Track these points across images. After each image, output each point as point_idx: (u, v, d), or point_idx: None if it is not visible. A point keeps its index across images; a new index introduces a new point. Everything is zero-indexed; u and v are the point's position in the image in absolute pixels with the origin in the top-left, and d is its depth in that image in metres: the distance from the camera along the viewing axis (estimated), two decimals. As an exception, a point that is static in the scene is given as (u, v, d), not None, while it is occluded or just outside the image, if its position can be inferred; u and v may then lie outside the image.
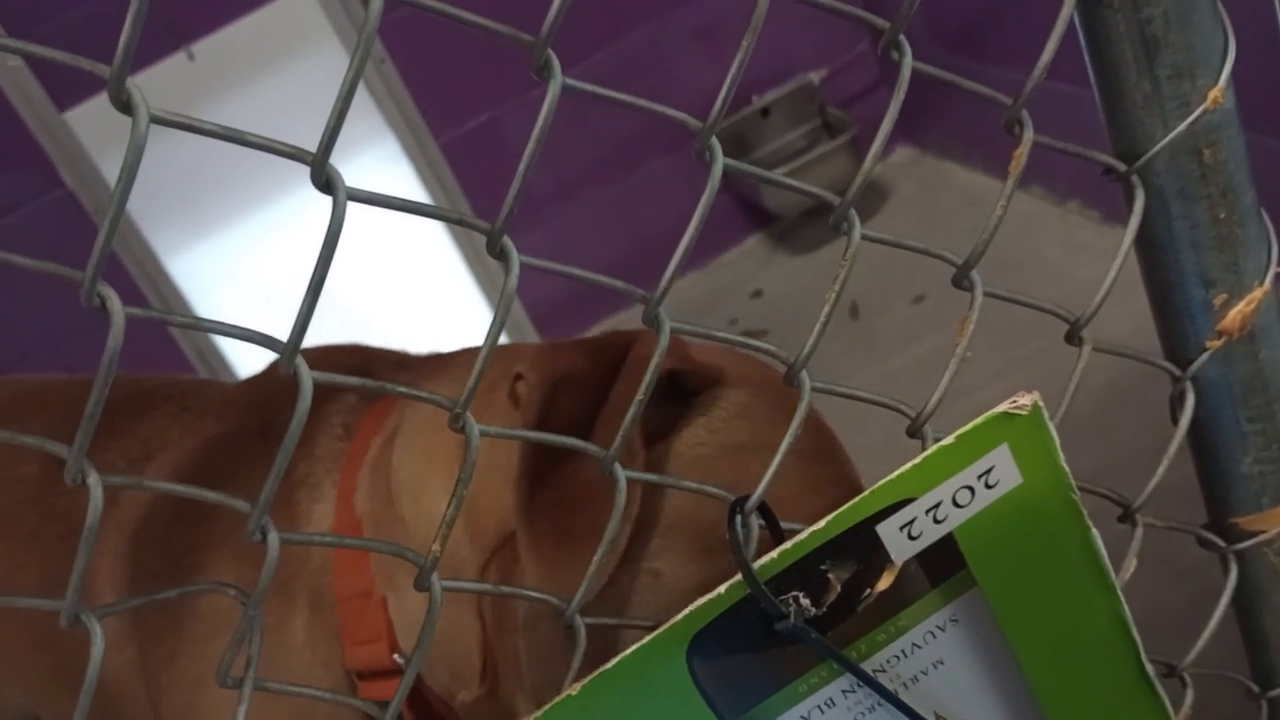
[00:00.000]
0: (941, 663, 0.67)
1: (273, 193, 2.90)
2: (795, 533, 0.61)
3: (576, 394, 0.74)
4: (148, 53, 2.71)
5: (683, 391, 0.78)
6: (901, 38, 0.58)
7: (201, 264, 2.97)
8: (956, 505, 0.62)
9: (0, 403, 1.31)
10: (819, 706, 0.66)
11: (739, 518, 0.61)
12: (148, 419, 1.10)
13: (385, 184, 2.96)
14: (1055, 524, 0.65)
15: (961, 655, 0.67)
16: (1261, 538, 0.77)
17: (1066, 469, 0.63)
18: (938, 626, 0.66)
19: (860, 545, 0.61)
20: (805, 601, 0.61)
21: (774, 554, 0.60)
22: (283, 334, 0.48)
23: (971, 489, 0.62)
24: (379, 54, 2.86)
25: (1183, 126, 0.64)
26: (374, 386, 0.52)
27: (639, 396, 0.59)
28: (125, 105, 0.41)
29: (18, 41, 0.42)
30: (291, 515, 0.93)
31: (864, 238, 0.60)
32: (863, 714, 0.66)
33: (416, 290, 3.15)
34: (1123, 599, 0.67)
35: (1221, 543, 0.78)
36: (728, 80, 0.53)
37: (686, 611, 0.61)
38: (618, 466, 0.60)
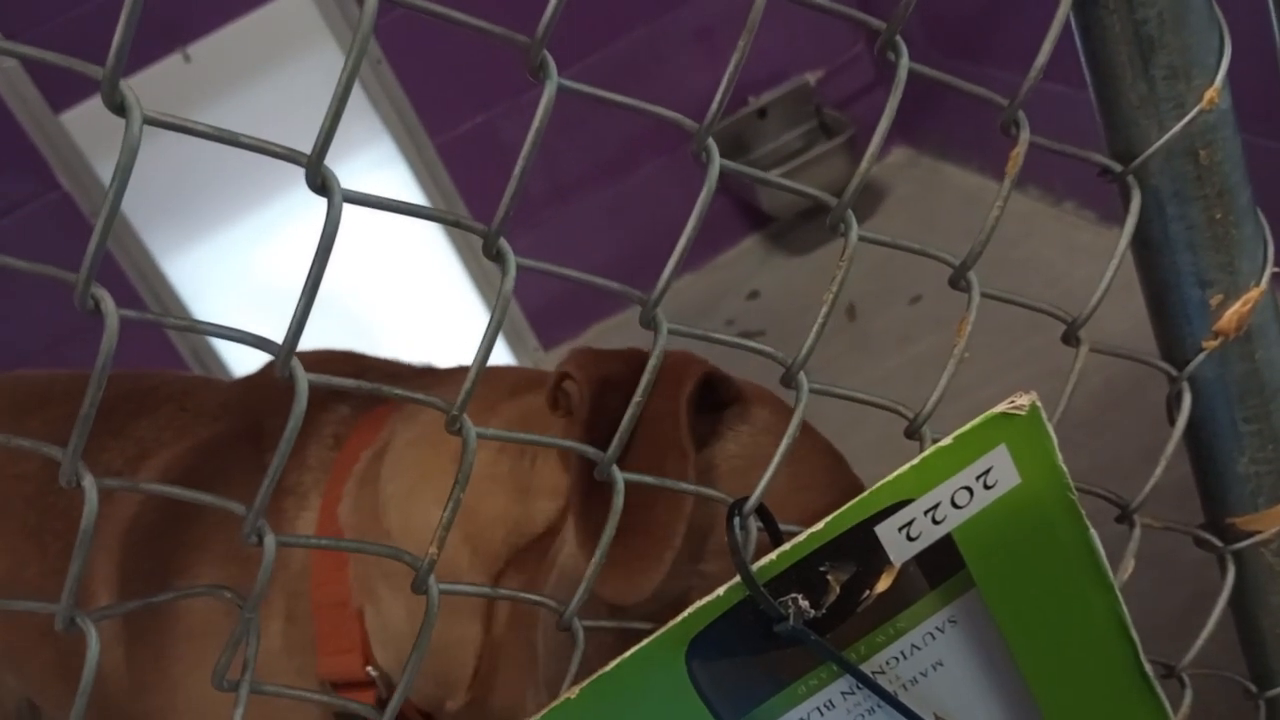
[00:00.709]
0: (941, 664, 0.67)
1: (269, 194, 2.90)
2: (794, 535, 0.60)
3: (620, 396, 0.75)
4: (144, 54, 2.71)
5: (712, 405, 0.79)
6: (898, 38, 0.58)
7: (198, 265, 2.97)
8: (955, 506, 0.62)
9: (3, 398, 1.31)
10: (819, 708, 0.65)
11: (737, 520, 0.61)
12: (145, 419, 1.10)
13: (382, 185, 2.96)
14: (1054, 524, 0.64)
15: (961, 656, 0.67)
16: (1258, 538, 0.77)
17: (1064, 469, 0.63)
18: (937, 628, 0.66)
19: (859, 547, 0.61)
20: (804, 603, 0.61)
21: (773, 556, 0.60)
22: (280, 336, 0.48)
23: (970, 490, 0.62)
24: (375, 55, 2.86)
25: (1178, 127, 0.64)
26: (369, 389, 0.52)
27: (645, 380, 0.59)
28: (119, 107, 0.41)
29: (10, 43, 0.42)
30: (278, 523, 0.93)
31: (861, 239, 0.60)
32: (862, 715, 0.66)
33: (414, 292, 3.15)
34: (1121, 599, 0.67)
35: (1218, 543, 0.78)
36: (724, 81, 0.53)
37: (685, 614, 0.60)
38: (615, 469, 0.60)
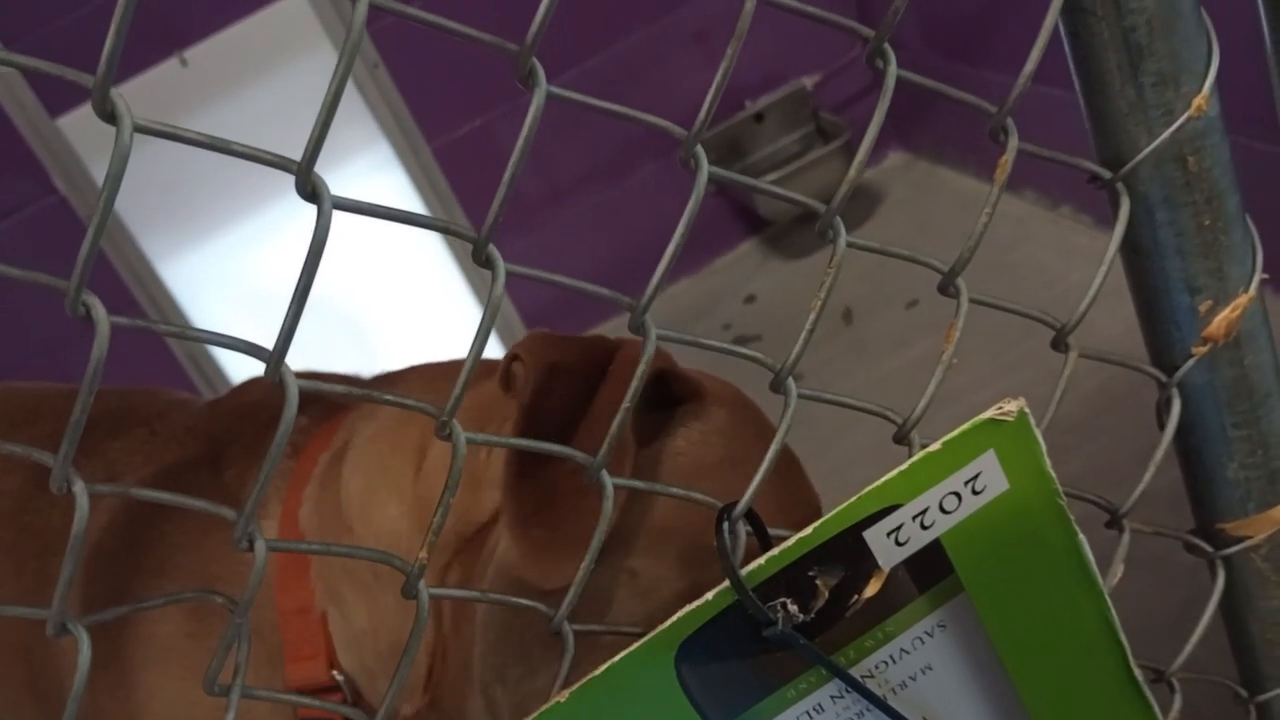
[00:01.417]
0: (930, 668, 0.68)
1: (266, 198, 2.90)
2: (782, 540, 0.61)
3: (567, 383, 0.75)
4: (140, 59, 2.71)
5: (666, 401, 0.79)
6: (886, 46, 0.58)
7: (194, 270, 2.97)
8: (943, 511, 0.62)
9: None
10: (808, 712, 0.66)
11: (726, 524, 0.61)
12: (119, 440, 1.10)
13: (378, 189, 2.96)
14: (1042, 529, 0.65)
15: (950, 661, 0.67)
16: (1248, 543, 0.77)
17: (1053, 474, 0.63)
18: (925, 632, 0.66)
19: (848, 551, 0.61)
20: (793, 608, 0.61)
21: (761, 560, 0.60)
22: (273, 341, 0.48)
23: (958, 495, 0.62)
24: (372, 59, 2.86)
25: (1167, 134, 0.64)
26: (359, 394, 0.52)
27: (627, 403, 0.59)
28: (110, 115, 0.41)
29: (3, 53, 0.42)
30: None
31: (850, 245, 0.61)
32: (851, 719, 0.67)
33: (409, 295, 3.15)
34: (1110, 604, 0.67)
35: (1208, 548, 0.78)
36: (711, 90, 0.53)
37: (675, 618, 0.61)
38: (605, 473, 0.60)
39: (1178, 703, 0.81)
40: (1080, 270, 2.48)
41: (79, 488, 0.47)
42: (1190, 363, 0.71)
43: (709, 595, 0.60)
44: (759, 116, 3.26)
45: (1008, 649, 0.67)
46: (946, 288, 0.66)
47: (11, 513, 1.11)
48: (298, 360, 0.48)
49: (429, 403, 0.55)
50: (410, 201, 3.01)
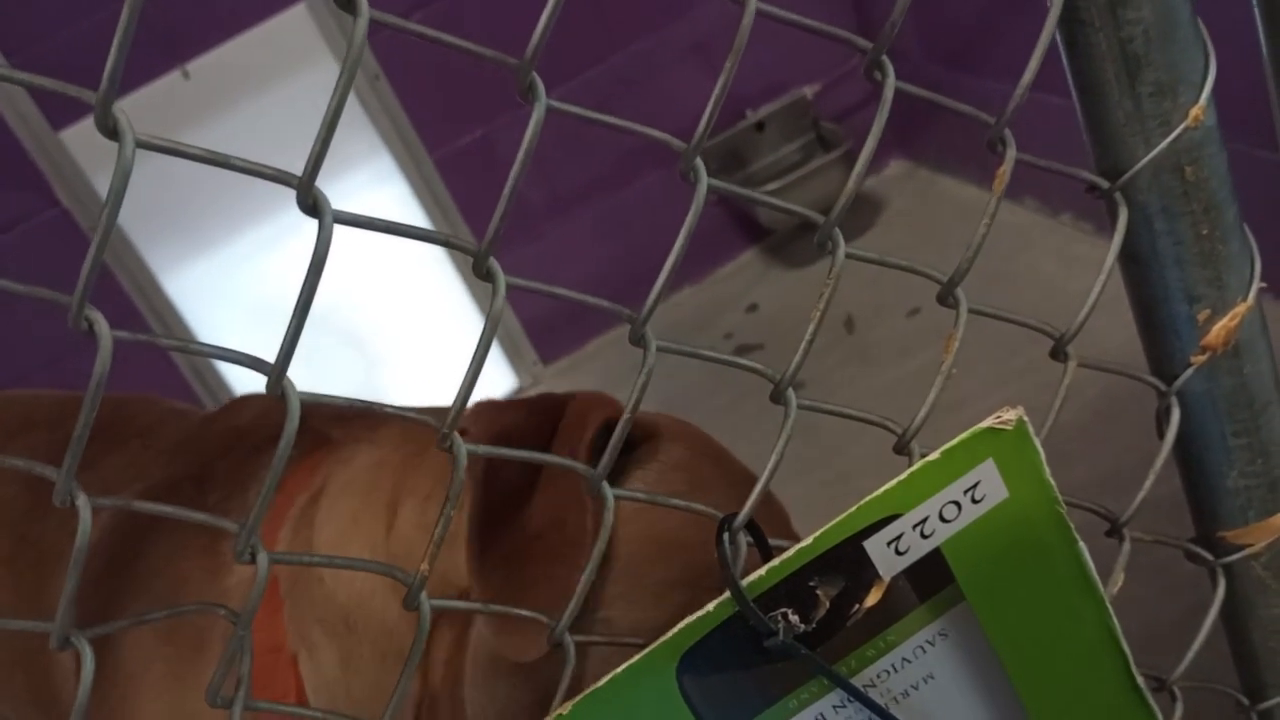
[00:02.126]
0: (931, 677, 0.68)
1: (270, 210, 2.91)
2: (783, 550, 0.61)
3: (519, 447, 0.75)
4: (143, 72, 2.72)
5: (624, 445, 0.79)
6: (885, 58, 0.59)
7: (198, 281, 2.98)
8: (943, 520, 0.62)
9: None
10: (809, 722, 0.66)
11: (727, 535, 0.62)
12: (114, 454, 1.10)
13: (379, 201, 2.97)
14: (1042, 538, 0.65)
15: (951, 669, 0.68)
16: (1248, 551, 0.77)
17: (1052, 483, 0.63)
18: (927, 641, 0.66)
19: (848, 561, 0.62)
20: (794, 618, 0.62)
21: (762, 571, 0.61)
22: (275, 354, 0.48)
23: (958, 504, 0.62)
24: (373, 70, 2.87)
25: (1165, 144, 0.64)
26: (362, 407, 0.52)
27: (632, 399, 0.59)
28: (112, 131, 0.42)
29: (5, 70, 0.43)
30: (215, 565, 0.92)
31: (849, 256, 0.61)
32: (853, 729, 0.67)
33: (411, 306, 3.15)
34: (1111, 612, 0.67)
35: (1209, 556, 0.78)
36: (711, 103, 0.53)
37: (676, 629, 0.61)
38: (605, 484, 0.61)
39: (1179, 711, 0.81)
40: (1080, 279, 2.48)
41: (82, 501, 0.47)
42: (1189, 371, 0.71)
43: (710, 606, 0.60)
44: (759, 126, 3.27)
45: (1009, 657, 0.67)
46: (945, 298, 0.66)
47: (8, 523, 1.11)
48: (299, 373, 0.49)
49: (431, 418, 0.55)
50: (411, 212, 3.02)
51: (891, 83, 0.59)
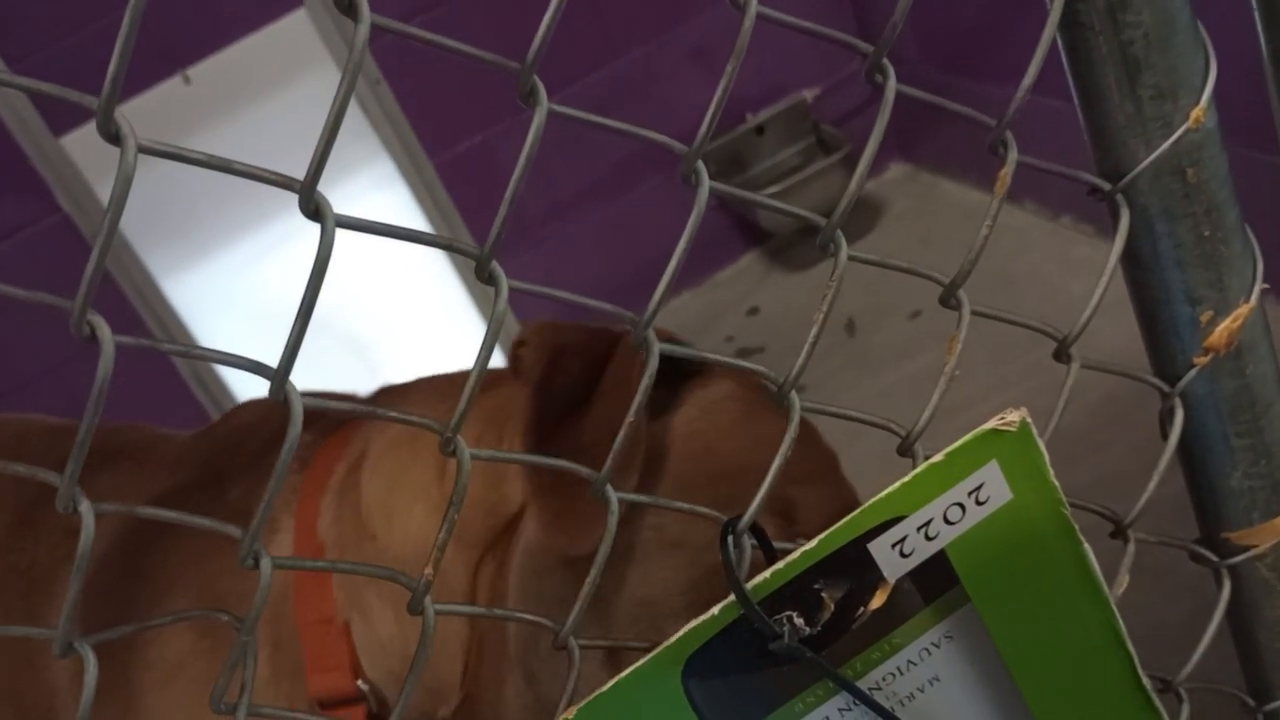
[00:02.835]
0: (937, 679, 0.68)
1: (271, 214, 2.91)
2: (788, 552, 0.61)
3: (574, 363, 0.77)
4: (144, 77, 2.72)
5: (674, 376, 0.81)
6: (885, 61, 0.59)
7: (199, 286, 2.98)
8: (948, 522, 0.62)
9: None
10: (814, 726, 0.66)
11: (731, 537, 0.61)
12: (105, 472, 1.11)
13: (381, 206, 2.97)
14: (1047, 540, 0.65)
15: (956, 672, 0.67)
16: (1253, 552, 0.77)
17: (1056, 484, 0.63)
18: (932, 643, 0.66)
19: (853, 564, 0.62)
20: (799, 621, 0.61)
21: (767, 574, 0.61)
22: (277, 359, 0.48)
23: (962, 506, 0.62)
24: (374, 75, 2.87)
25: (1165, 146, 0.64)
26: (364, 411, 0.52)
27: (630, 417, 0.59)
28: (114, 136, 0.42)
29: (7, 75, 0.43)
30: None
31: (851, 258, 0.61)
32: (858, 732, 0.66)
33: (414, 310, 3.15)
34: (1116, 613, 0.67)
35: (1214, 558, 0.78)
36: (711, 108, 0.53)
37: (681, 633, 0.61)
38: (609, 488, 0.60)
39: (1186, 712, 0.81)
40: (1082, 280, 2.48)
41: (85, 506, 0.47)
42: (1192, 373, 0.71)
43: (715, 609, 0.60)
44: (760, 129, 3.27)
45: (1015, 659, 0.67)
46: (948, 300, 0.66)
47: None
48: (302, 377, 0.49)
49: (435, 419, 0.55)
50: (413, 217, 3.02)
51: (893, 85, 0.59)
